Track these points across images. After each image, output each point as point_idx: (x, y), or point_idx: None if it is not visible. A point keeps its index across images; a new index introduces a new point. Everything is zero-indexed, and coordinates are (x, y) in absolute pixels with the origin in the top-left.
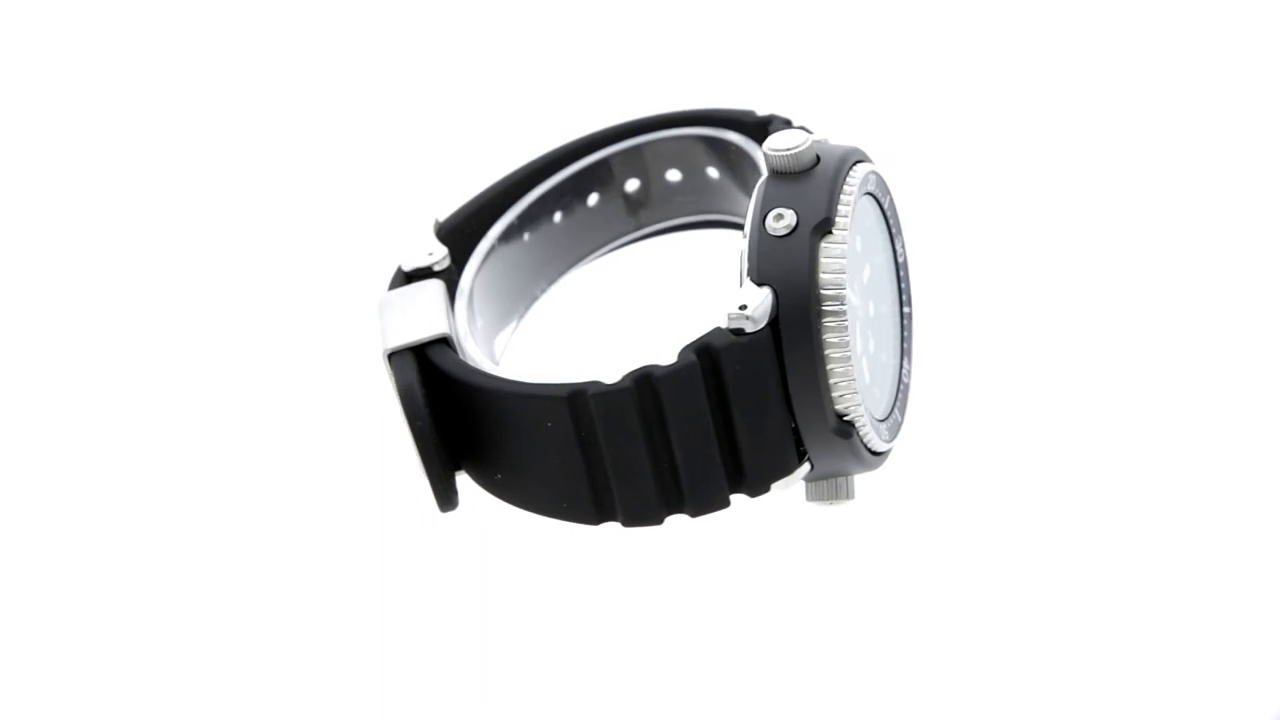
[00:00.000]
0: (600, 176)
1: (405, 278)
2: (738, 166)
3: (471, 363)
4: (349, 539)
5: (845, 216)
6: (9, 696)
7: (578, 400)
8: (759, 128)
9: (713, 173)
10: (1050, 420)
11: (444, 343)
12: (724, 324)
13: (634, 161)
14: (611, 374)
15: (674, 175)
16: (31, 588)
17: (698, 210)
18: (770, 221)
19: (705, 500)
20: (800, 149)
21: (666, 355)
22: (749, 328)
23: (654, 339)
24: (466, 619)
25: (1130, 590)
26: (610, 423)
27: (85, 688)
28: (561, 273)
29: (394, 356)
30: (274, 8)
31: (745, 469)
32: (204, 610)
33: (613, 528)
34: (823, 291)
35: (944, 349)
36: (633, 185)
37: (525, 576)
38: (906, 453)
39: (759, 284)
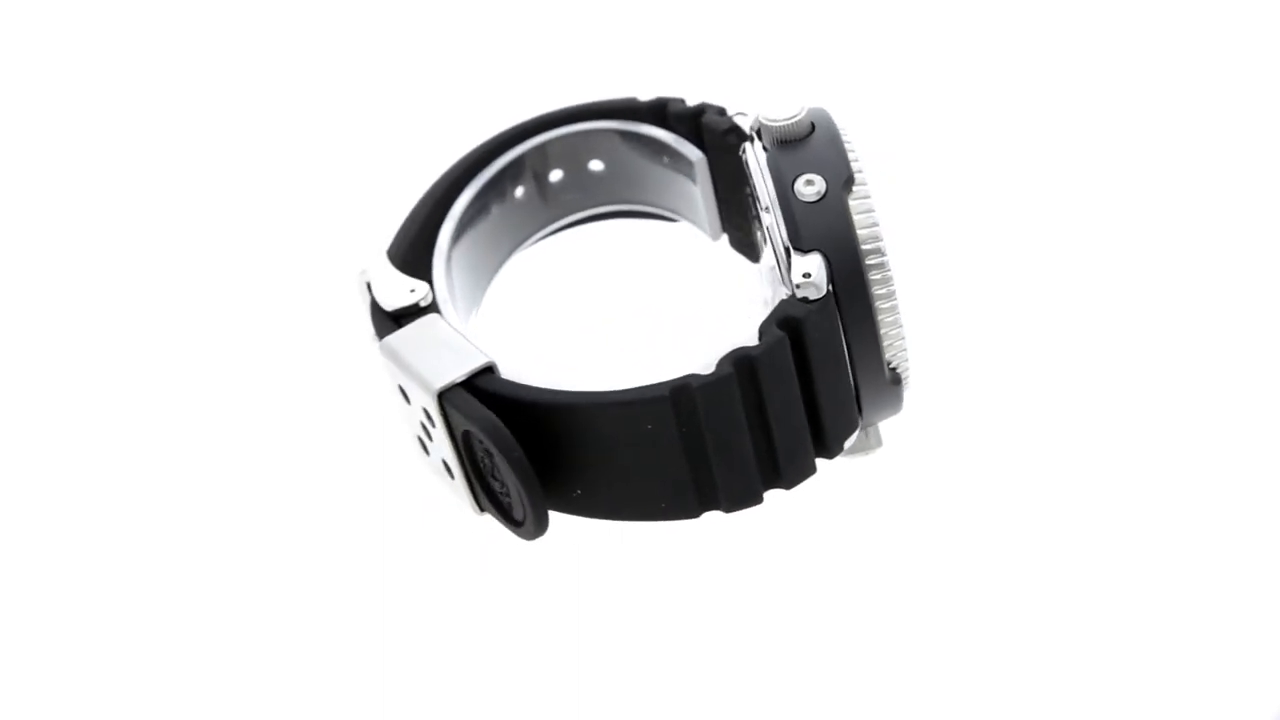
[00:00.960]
0: (522, 171)
1: (393, 319)
2: (656, 156)
3: (523, 382)
4: (341, 536)
5: (861, 171)
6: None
7: (681, 396)
8: (690, 117)
9: (632, 164)
10: (1049, 417)
11: (489, 371)
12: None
13: (558, 153)
14: (693, 365)
15: (596, 165)
16: (21, 573)
17: (618, 200)
18: (800, 188)
19: (799, 471)
20: (799, 116)
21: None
22: (814, 294)
23: (597, 317)
24: (469, 621)
25: (1129, 589)
26: (716, 412)
27: (76, 679)
28: (500, 264)
29: (447, 395)
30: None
31: (825, 433)
32: (200, 606)
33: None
34: (865, 248)
35: (944, 344)
36: (556, 176)
37: (532, 580)
38: (908, 449)
39: (806, 251)
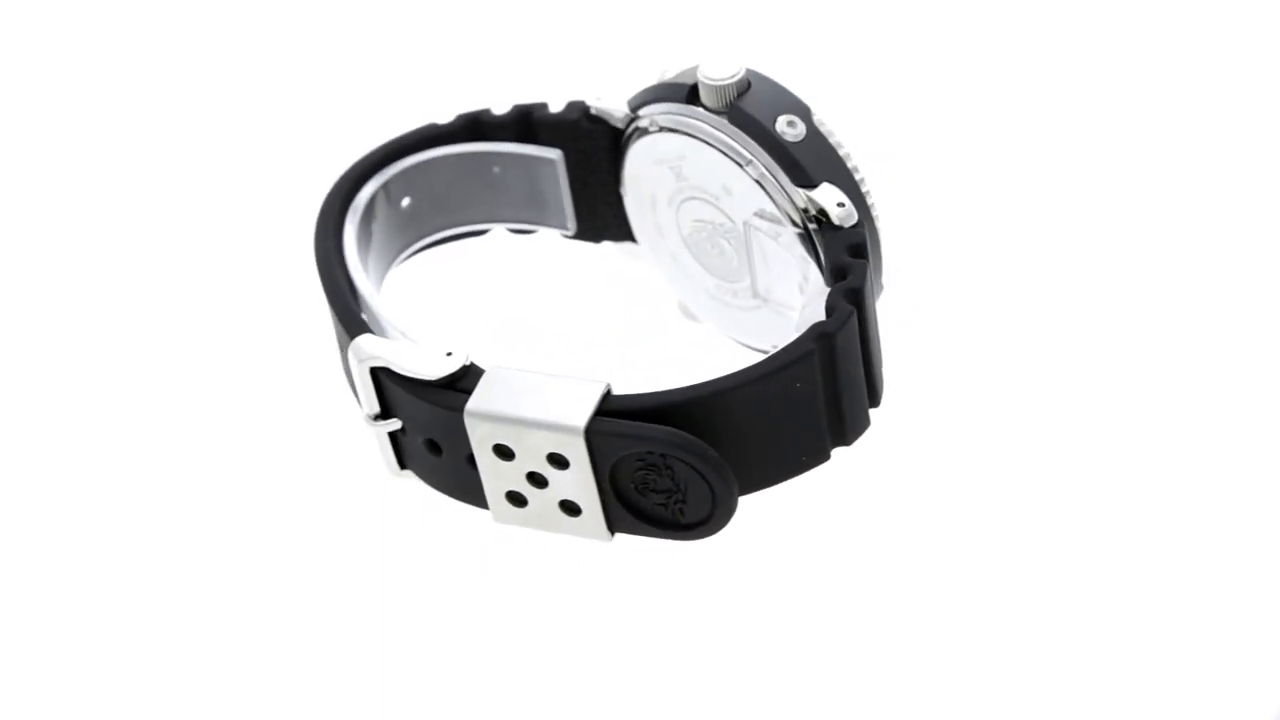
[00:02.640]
0: (380, 199)
1: (448, 382)
2: (506, 169)
3: (643, 391)
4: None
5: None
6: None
7: (825, 343)
8: (515, 124)
9: (479, 182)
10: (1047, 416)
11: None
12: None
13: (407, 183)
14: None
15: (440, 190)
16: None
17: (465, 222)
18: (784, 129)
19: (881, 393)
20: (741, 70)
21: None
22: (850, 220)
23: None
24: (469, 630)
25: (1129, 588)
26: (848, 350)
27: (74, 680)
28: (381, 279)
29: (594, 428)
30: None
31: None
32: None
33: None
34: (856, 174)
35: (943, 344)
36: (406, 202)
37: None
38: (906, 449)
39: (814, 185)
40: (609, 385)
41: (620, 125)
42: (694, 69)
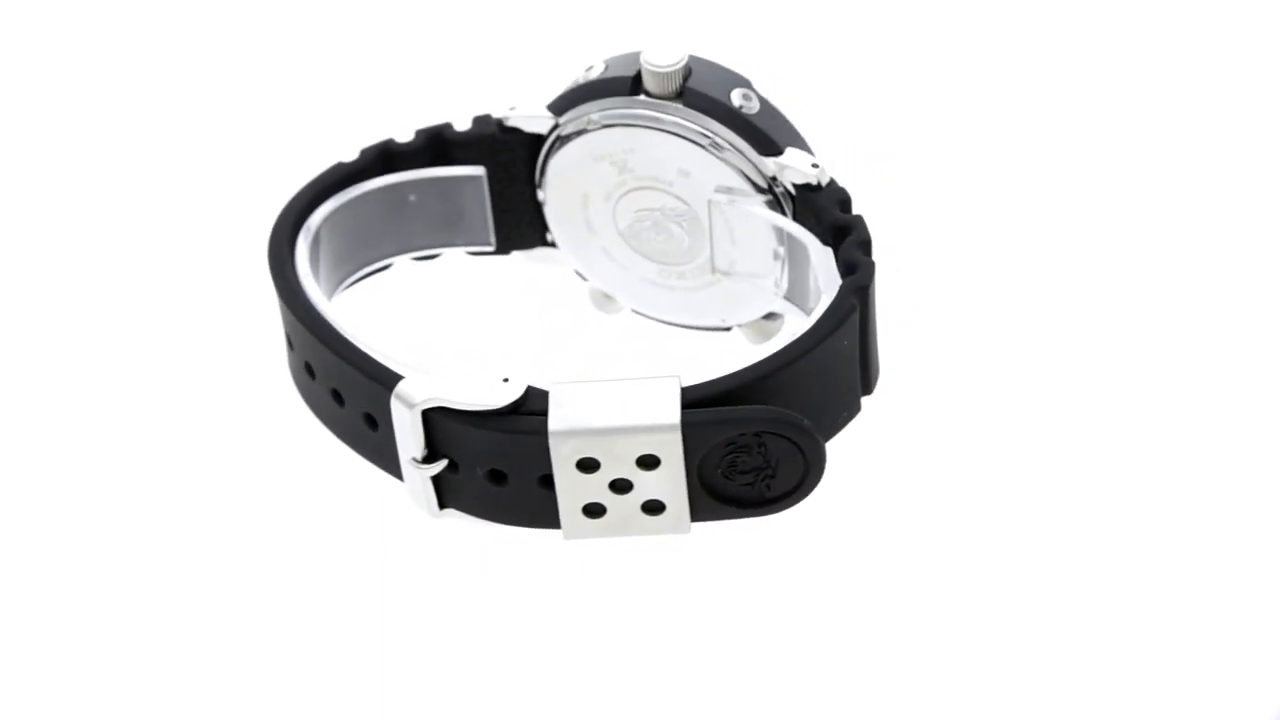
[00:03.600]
0: (314, 246)
1: (514, 409)
2: (423, 195)
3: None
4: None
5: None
6: None
7: (862, 296)
8: (426, 149)
9: (394, 214)
10: (1043, 417)
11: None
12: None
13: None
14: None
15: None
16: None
17: (374, 259)
18: (740, 103)
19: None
20: (685, 55)
21: None
22: (825, 178)
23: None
24: (467, 633)
25: (1128, 588)
26: (873, 302)
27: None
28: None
29: (688, 420)
30: None
31: None
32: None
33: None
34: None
35: (941, 345)
36: (333, 246)
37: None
38: (904, 449)
39: (780, 152)
40: (679, 378)
41: (542, 132)
42: (627, 61)
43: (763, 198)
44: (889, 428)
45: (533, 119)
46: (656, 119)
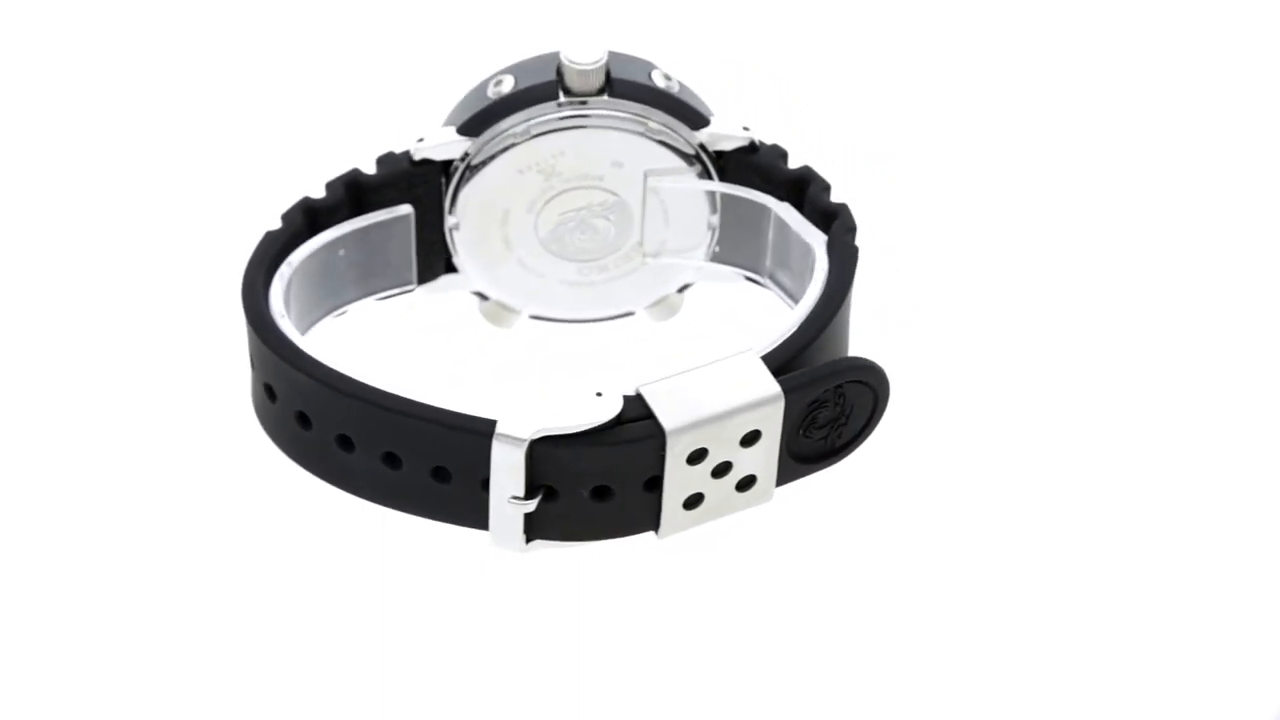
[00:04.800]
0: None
1: (619, 420)
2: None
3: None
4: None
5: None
6: None
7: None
8: (347, 201)
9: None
10: (1040, 419)
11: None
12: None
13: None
14: None
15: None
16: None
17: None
18: (663, 83)
19: None
20: (604, 51)
21: None
22: (758, 136)
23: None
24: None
25: (1128, 588)
26: None
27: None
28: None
29: (787, 388)
30: None
31: None
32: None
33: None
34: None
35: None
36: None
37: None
38: (901, 450)
39: (707, 123)
40: (754, 350)
41: (455, 157)
42: (539, 67)
43: (695, 170)
44: (885, 428)
45: (444, 146)
46: (589, 116)
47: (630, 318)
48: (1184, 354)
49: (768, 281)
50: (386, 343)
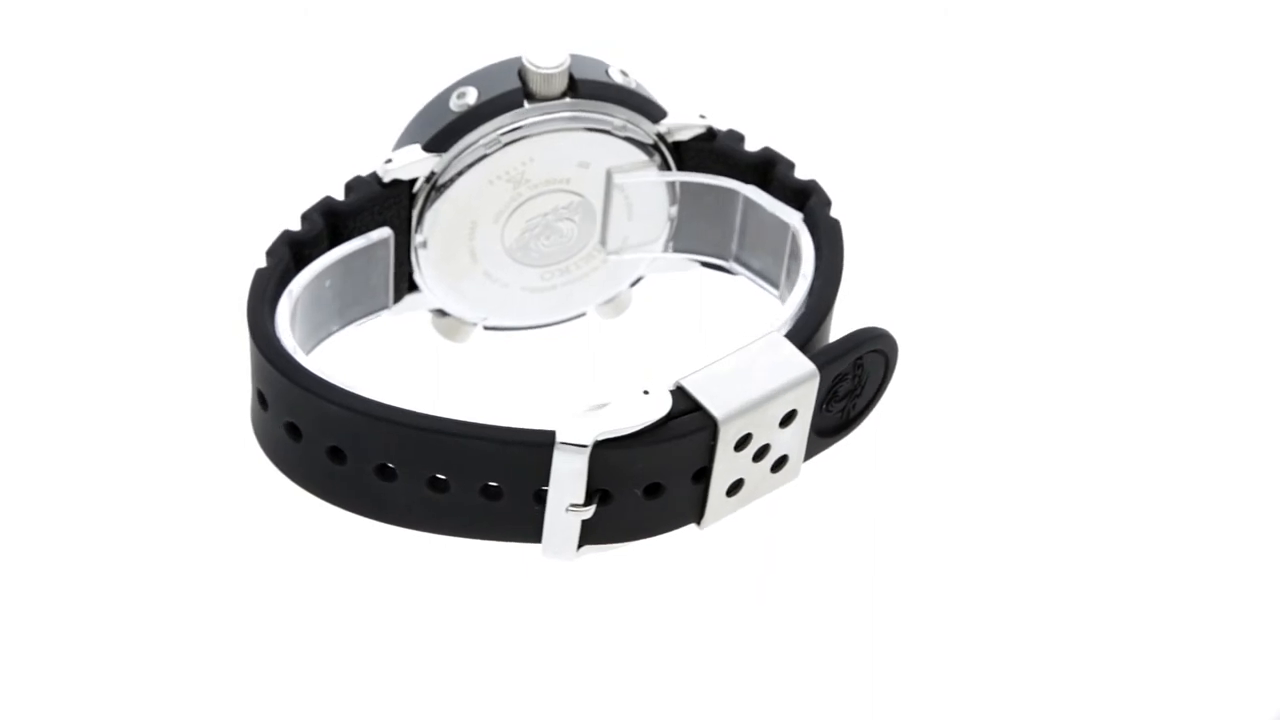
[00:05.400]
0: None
1: (665, 421)
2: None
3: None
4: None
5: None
6: None
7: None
8: (326, 234)
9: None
10: (1037, 421)
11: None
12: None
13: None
14: None
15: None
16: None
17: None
18: (621, 79)
19: None
20: (566, 53)
21: None
22: (716, 124)
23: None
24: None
25: (1127, 588)
26: None
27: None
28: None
29: (818, 364)
30: None
31: None
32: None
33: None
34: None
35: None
36: None
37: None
38: (898, 450)
39: (665, 115)
40: (777, 330)
41: (421, 175)
42: (498, 75)
43: (655, 162)
44: (881, 429)
45: (414, 165)
46: (557, 120)
47: (582, 318)
48: (1175, 333)
49: (733, 265)
50: (363, 367)
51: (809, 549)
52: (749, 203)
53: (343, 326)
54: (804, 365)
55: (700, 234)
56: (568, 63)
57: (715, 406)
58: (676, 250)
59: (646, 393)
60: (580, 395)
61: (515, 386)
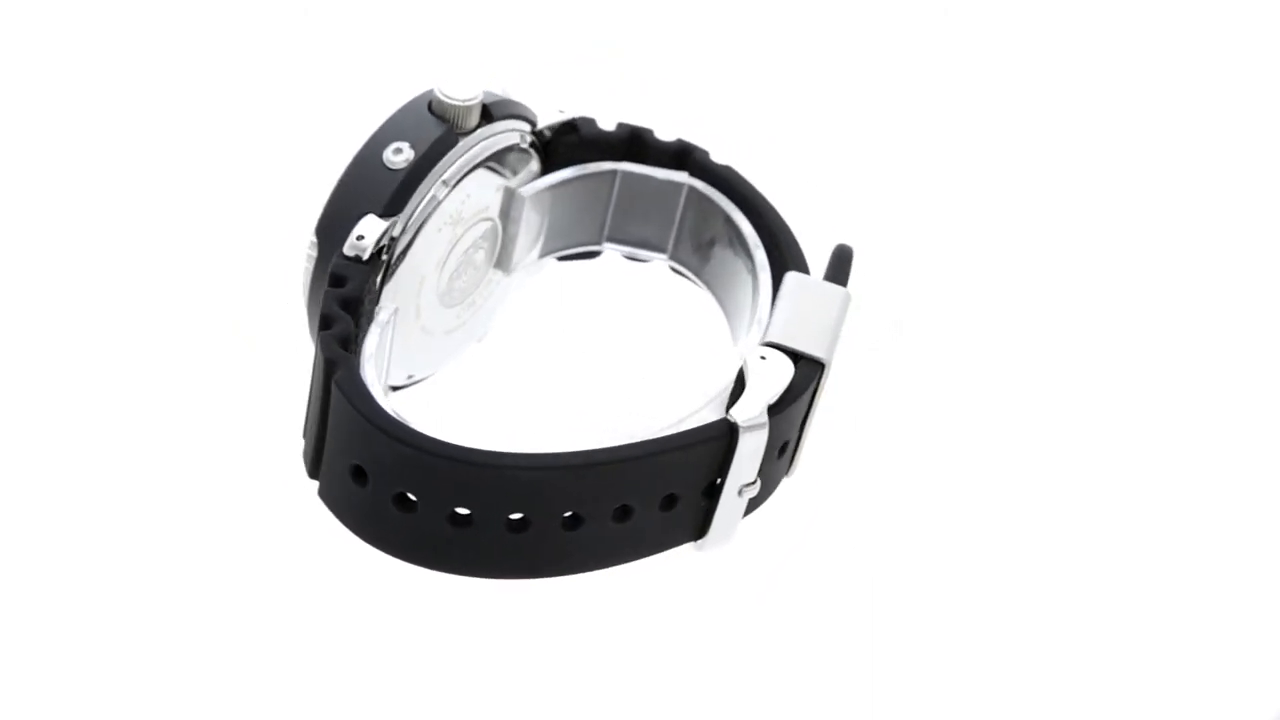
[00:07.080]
0: None
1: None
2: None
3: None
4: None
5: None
6: None
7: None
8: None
9: None
10: (1035, 424)
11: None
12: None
13: None
14: None
15: None
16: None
17: None
18: (503, 93)
19: None
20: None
21: None
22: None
23: None
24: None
25: (1127, 589)
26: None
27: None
28: None
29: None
30: None
31: None
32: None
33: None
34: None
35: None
36: None
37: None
38: (898, 450)
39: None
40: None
41: (379, 236)
42: (418, 119)
43: (536, 154)
44: (881, 429)
45: (381, 234)
46: (480, 148)
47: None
48: (1175, 333)
49: (606, 245)
50: None
51: (808, 549)
52: (628, 176)
53: None
54: (838, 289)
55: (570, 226)
56: (481, 91)
57: (817, 349)
58: (549, 252)
59: (763, 358)
60: (578, 404)
61: (512, 409)
